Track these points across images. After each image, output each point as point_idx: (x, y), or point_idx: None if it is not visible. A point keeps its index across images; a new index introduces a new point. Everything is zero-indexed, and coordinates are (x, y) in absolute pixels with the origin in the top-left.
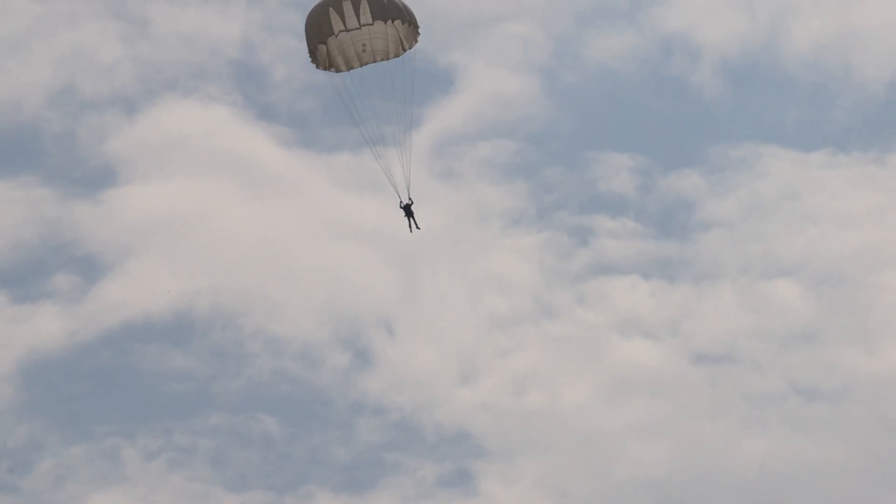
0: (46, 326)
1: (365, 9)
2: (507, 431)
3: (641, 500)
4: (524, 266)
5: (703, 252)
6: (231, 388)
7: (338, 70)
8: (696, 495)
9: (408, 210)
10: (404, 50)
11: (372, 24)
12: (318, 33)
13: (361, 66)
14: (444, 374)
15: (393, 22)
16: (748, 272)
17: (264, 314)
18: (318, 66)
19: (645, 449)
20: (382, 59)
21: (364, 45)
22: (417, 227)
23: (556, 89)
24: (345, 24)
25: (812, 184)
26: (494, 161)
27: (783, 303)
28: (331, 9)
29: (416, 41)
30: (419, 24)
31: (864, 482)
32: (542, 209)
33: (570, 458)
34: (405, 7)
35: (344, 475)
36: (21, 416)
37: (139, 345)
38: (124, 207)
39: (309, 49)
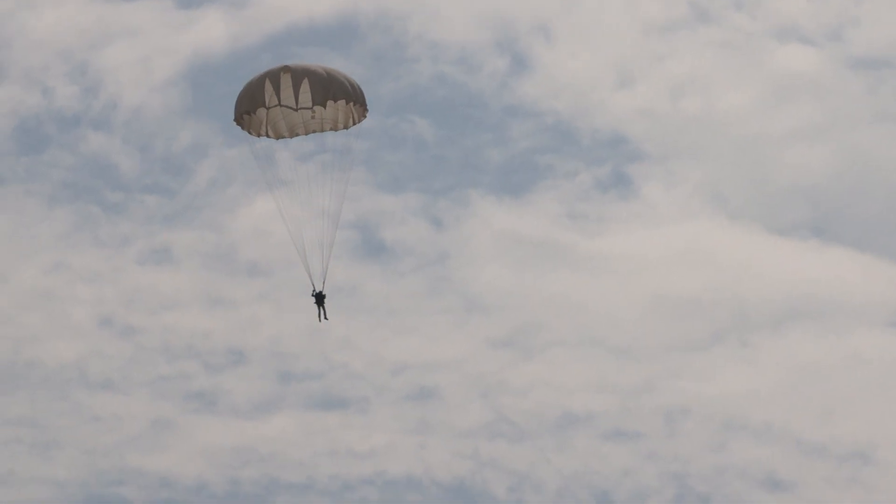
0: (210, 30)
1: (305, 90)
2: (664, 136)
3: (800, 206)
4: None
5: None
6: (388, 91)
7: (278, 136)
8: (853, 201)
9: (319, 299)
10: (354, 123)
11: (311, 108)
12: (250, 102)
13: (307, 134)
14: (600, 79)
15: (336, 102)
16: None
17: (425, 19)
18: (251, 133)
19: (803, 155)
20: (331, 129)
21: (314, 112)
22: (326, 318)
23: None
24: (279, 100)
25: None
26: None
27: None
28: (267, 81)
29: (365, 117)
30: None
31: None
32: None
33: (729, 164)
34: (352, 86)
35: (501, 178)
36: (185, 120)
37: (300, 48)
38: None
39: (237, 115)
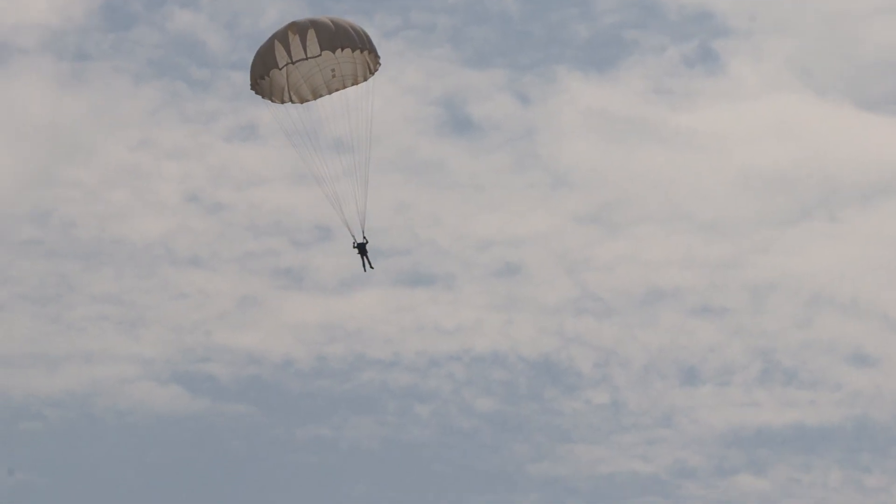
0: None
1: (312, 40)
2: (751, 11)
3: (888, 80)
4: None
5: None
6: None
7: (302, 100)
8: None
9: (362, 249)
10: (371, 72)
11: (319, 55)
12: (262, 66)
13: (330, 93)
14: None
15: (342, 51)
16: None
17: None
18: (273, 100)
19: (892, 29)
20: (353, 84)
21: (333, 70)
22: (371, 267)
23: None
24: (290, 57)
25: None
26: None
27: None
28: (276, 42)
29: (379, 64)
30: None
31: None
32: None
33: (817, 38)
34: (357, 34)
35: (587, 53)
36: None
37: None
38: None
39: (252, 81)
